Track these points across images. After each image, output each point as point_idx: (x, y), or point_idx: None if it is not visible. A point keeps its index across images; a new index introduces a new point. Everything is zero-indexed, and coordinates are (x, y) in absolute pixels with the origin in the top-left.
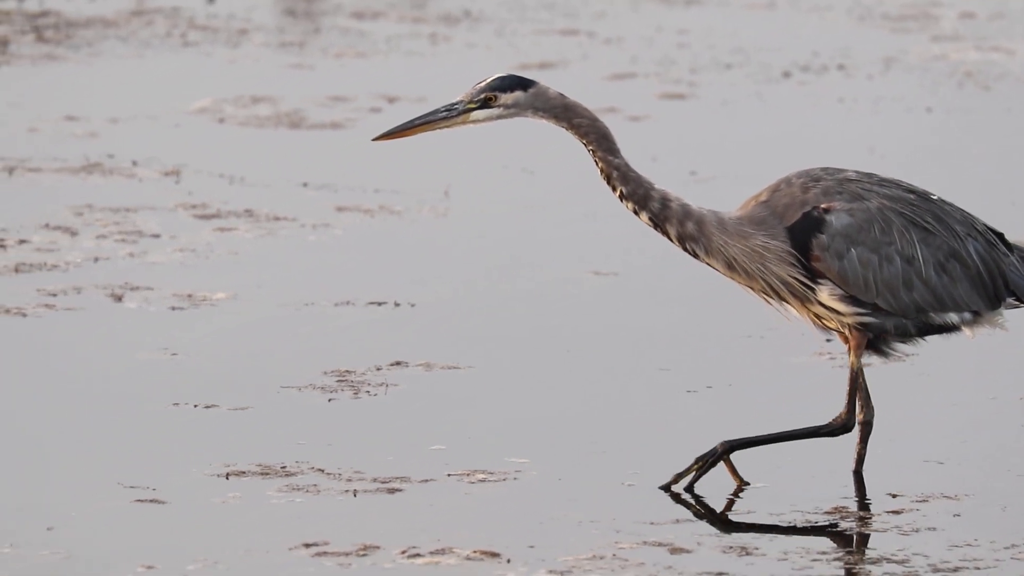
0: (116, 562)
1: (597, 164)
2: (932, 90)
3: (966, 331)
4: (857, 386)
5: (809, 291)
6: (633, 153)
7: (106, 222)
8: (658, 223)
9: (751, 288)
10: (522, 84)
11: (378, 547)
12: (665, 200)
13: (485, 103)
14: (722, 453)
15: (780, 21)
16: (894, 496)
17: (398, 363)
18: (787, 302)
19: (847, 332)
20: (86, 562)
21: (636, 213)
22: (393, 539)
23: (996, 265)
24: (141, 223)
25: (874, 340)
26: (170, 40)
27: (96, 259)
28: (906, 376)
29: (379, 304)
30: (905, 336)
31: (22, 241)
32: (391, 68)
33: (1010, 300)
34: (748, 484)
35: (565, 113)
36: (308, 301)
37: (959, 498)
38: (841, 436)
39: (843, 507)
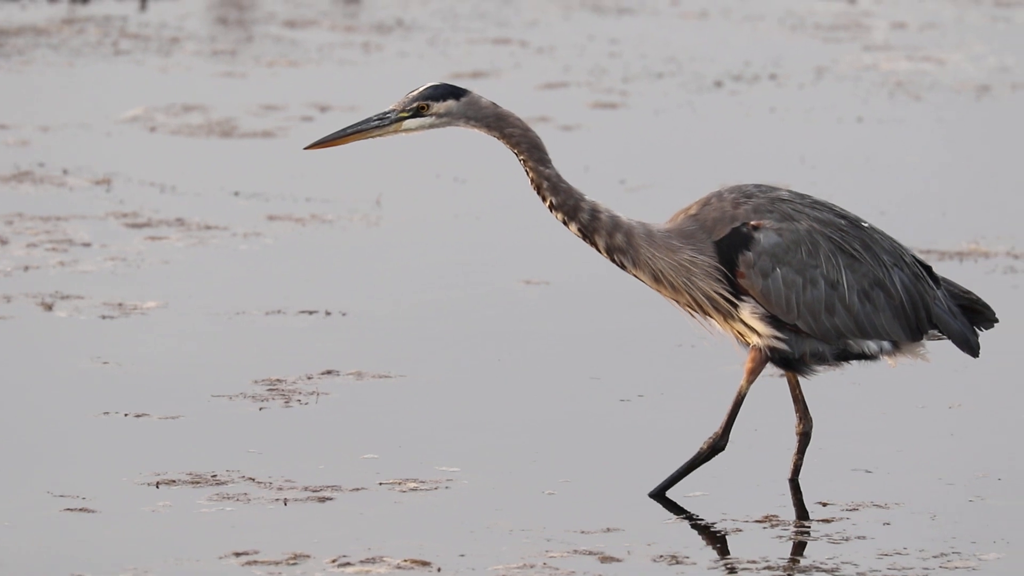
0: (46, 571)
1: (528, 174)
2: (863, 100)
3: (887, 360)
4: (739, 409)
5: (733, 307)
6: (565, 162)
7: (36, 231)
8: (587, 234)
9: (676, 301)
10: (454, 93)
11: (308, 556)
12: (595, 212)
13: (418, 112)
14: None
15: (712, 31)
16: (824, 505)
17: (329, 372)
18: (711, 317)
19: (751, 352)
20: (15, 571)
21: (565, 224)
22: (323, 548)
23: (920, 297)
24: (72, 232)
25: (794, 361)
26: (102, 48)
27: (26, 268)
28: (837, 385)
29: (310, 313)
30: (822, 362)
31: None
32: (323, 77)
33: (933, 332)
34: None
35: (497, 123)
36: (239, 310)
37: (889, 507)
38: (719, 456)
39: (774, 516)
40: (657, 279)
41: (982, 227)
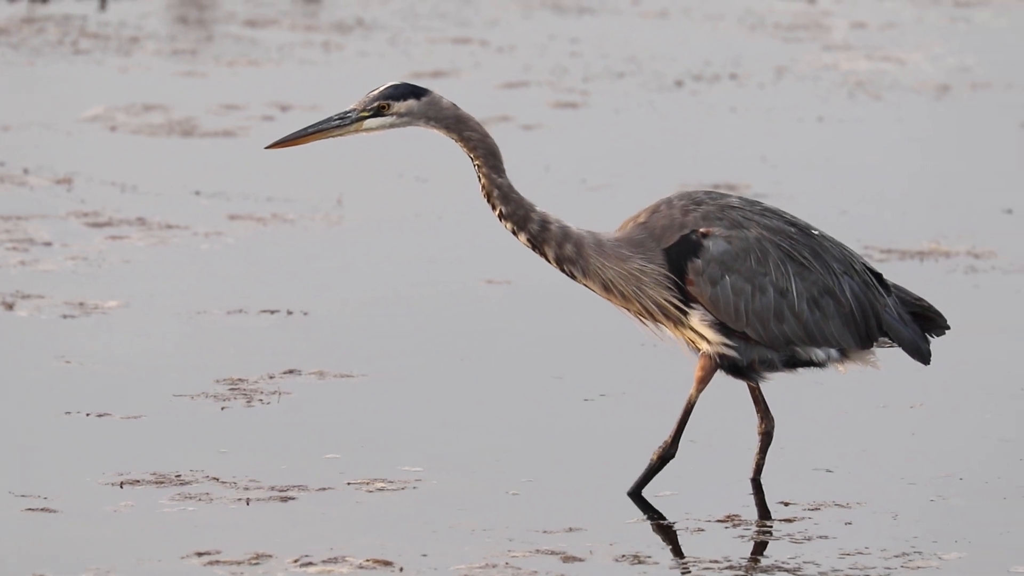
0: (7, 571)
1: (480, 180)
2: (823, 99)
3: (838, 367)
4: (688, 417)
5: (682, 315)
6: (526, 162)
7: None
8: (536, 244)
9: (627, 309)
10: (415, 93)
11: (270, 556)
12: (545, 222)
13: (378, 111)
14: None
15: (672, 30)
16: (786, 504)
17: (291, 371)
18: (662, 324)
19: (701, 360)
20: None
21: (514, 234)
22: (285, 548)
23: (871, 305)
24: (32, 231)
25: (745, 368)
26: (62, 48)
27: None
28: (798, 385)
29: (272, 312)
30: (771, 368)
31: None
32: (284, 76)
33: (883, 340)
34: None
35: (457, 125)
36: (200, 309)
37: (850, 506)
38: (671, 463)
39: (736, 515)
40: (607, 288)
41: (943, 227)
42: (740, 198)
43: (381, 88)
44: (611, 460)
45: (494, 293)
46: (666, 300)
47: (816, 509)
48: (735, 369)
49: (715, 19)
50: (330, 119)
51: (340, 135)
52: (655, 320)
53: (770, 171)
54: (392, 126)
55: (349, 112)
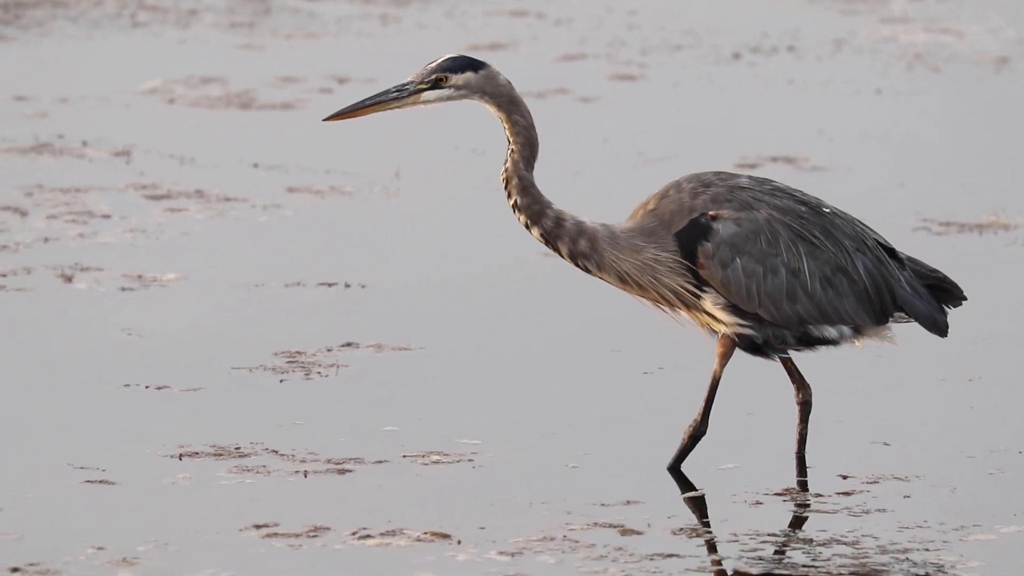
0: (67, 543)
1: (506, 163)
2: (882, 72)
3: (853, 344)
4: (715, 393)
5: (696, 299)
6: (584, 134)
7: (56, 202)
8: (549, 240)
9: (642, 298)
10: (473, 65)
11: (328, 528)
12: (560, 219)
13: (436, 84)
14: None
15: (730, 2)
16: (844, 477)
17: (349, 344)
18: (678, 308)
19: (720, 338)
20: (37, 543)
21: (527, 228)
22: (343, 520)
23: (885, 281)
24: (91, 203)
25: (762, 345)
26: (120, 20)
27: (46, 239)
28: (857, 357)
29: (330, 285)
30: (786, 345)
31: None
32: (341, 49)
33: (899, 315)
34: None
35: (508, 106)
36: (259, 282)
37: (909, 480)
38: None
39: (793, 489)
40: (623, 280)
41: (1002, 199)
42: (750, 178)
43: (439, 60)
44: (669, 433)
45: (551, 266)
46: (681, 286)
47: (874, 482)
48: (754, 347)
49: None
50: (388, 91)
51: (398, 107)
52: (671, 306)
53: (828, 144)
54: (449, 99)
55: (407, 84)
